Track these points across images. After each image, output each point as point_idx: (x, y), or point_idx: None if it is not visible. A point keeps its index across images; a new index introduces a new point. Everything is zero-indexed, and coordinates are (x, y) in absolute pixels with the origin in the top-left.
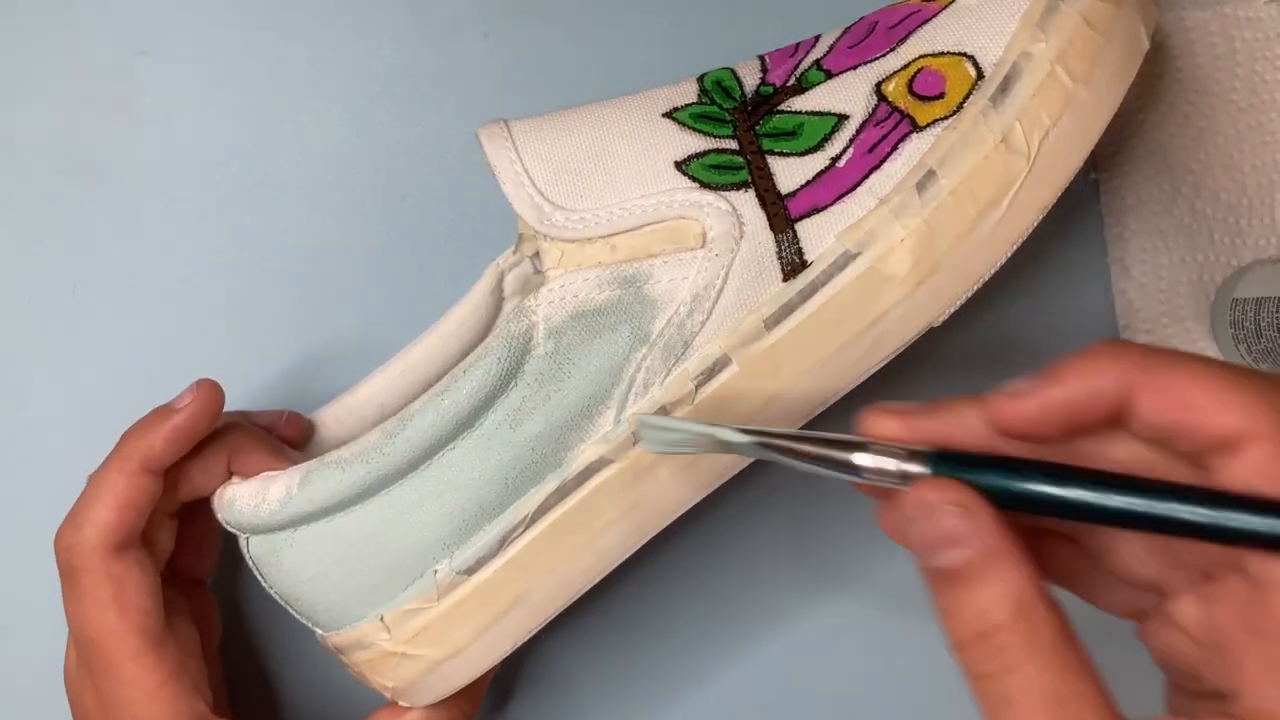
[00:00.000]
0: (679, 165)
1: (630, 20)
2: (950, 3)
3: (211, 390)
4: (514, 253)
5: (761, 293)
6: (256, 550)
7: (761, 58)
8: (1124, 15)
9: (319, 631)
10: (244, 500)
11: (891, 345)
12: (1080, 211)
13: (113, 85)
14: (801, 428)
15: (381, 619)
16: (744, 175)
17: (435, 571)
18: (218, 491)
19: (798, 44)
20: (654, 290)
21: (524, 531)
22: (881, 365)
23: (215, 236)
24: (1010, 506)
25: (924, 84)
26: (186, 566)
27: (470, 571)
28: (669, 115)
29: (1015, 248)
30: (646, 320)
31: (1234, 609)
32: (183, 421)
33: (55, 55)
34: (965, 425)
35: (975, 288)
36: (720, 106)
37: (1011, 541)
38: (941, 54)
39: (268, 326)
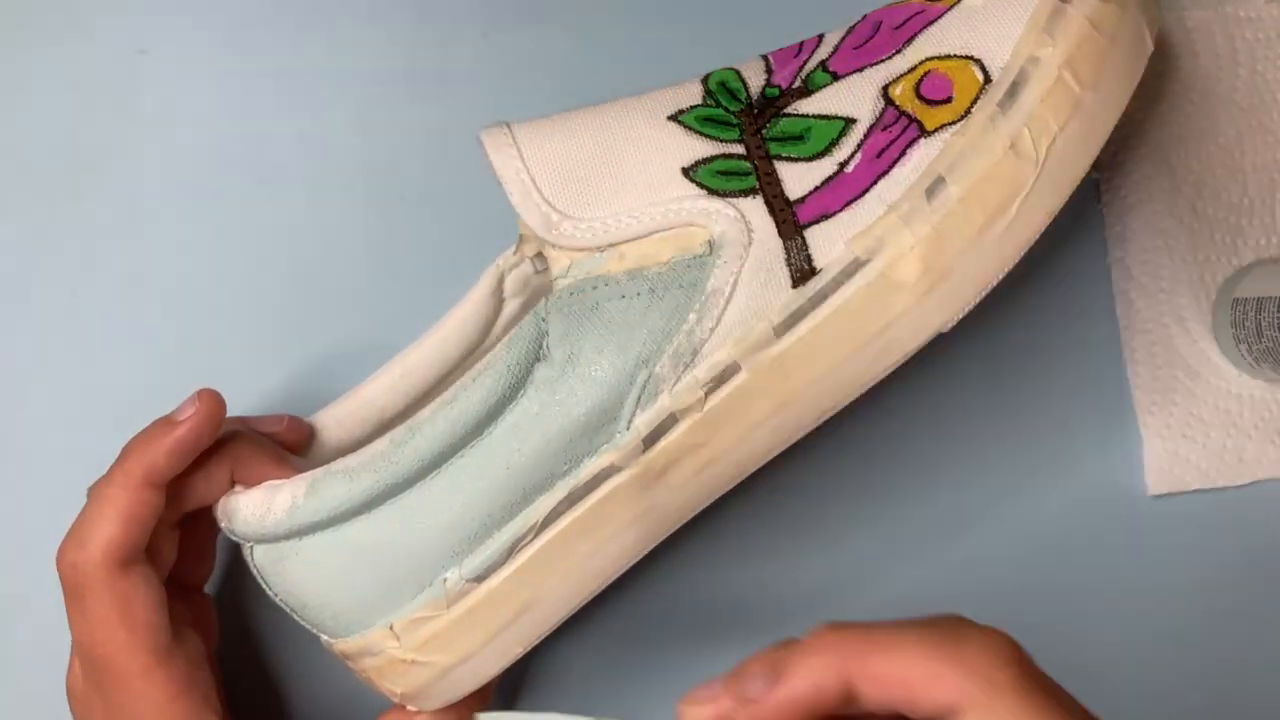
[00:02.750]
0: (686, 171)
1: (630, 20)
2: (955, 3)
3: (213, 401)
4: (514, 253)
5: (771, 299)
6: (261, 559)
7: (765, 58)
8: (1129, 18)
9: (325, 638)
10: (249, 510)
11: (901, 351)
12: (1081, 211)
13: (113, 85)
14: (808, 435)
15: (391, 627)
16: (751, 181)
17: (445, 580)
18: (220, 501)
19: (801, 44)
20: (664, 298)
21: (534, 539)
22: (891, 371)
23: (215, 236)
24: None
25: (931, 88)
26: (185, 573)
27: (480, 579)
28: (674, 118)
29: (1023, 254)
30: (656, 328)
31: None
32: (185, 434)
33: (55, 55)
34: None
35: (984, 294)
36: (726, 109)
37: None
38: (948, 57)
39: (267, 326)
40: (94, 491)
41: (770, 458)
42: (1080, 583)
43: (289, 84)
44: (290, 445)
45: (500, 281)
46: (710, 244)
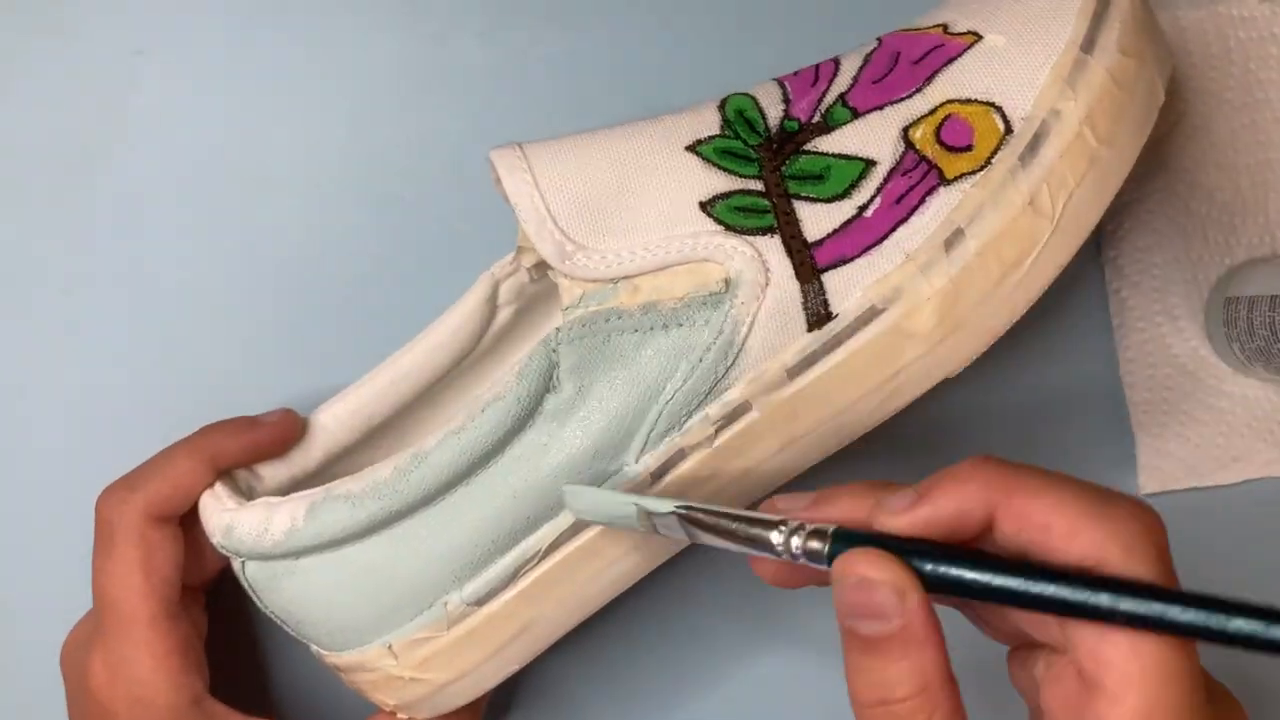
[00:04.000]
0: (704, 206)
1: (628, 20)
2: (975, 40)
3: (296, 420)
4: (511, 262)
5: (786, 341)
6: (254, 574)
7: (782, 84)
8: (1146, 71)
9: (316, 649)
10: (245, 529)
11: (908, 396)
12: None
13: (111, 85)
14: (810, 468)
15: (389, 647)
16: (770, 220)
17: (445, 603)
18: (215, 517)
19: (817, 69)
20: (678, 334)
21: (537, 564)
22: (895, 413)
23: (212, 236)
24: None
25: (951, 133)
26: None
27: (481, 603)
28: (692, 149)
29: (1031, 304)
30: (669, 364)
31: (1063, 691)
32: (264, 436)
33: (54, 55)
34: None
35: (992, 342)
36: (745, 142)
37: (929, 623)
38: (969, 101)
39: (264, 326)
40: (159, 453)
41: (772, 489)
42: None
43: (287, 84)
44: (286, 438)
45: (494, 289)
46: (727, 282)
